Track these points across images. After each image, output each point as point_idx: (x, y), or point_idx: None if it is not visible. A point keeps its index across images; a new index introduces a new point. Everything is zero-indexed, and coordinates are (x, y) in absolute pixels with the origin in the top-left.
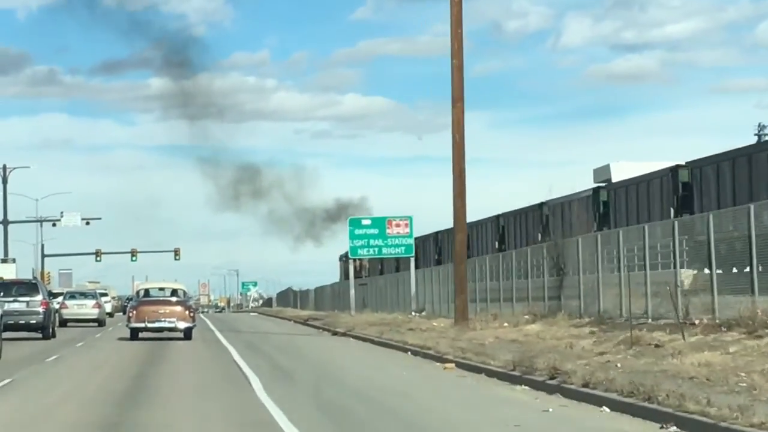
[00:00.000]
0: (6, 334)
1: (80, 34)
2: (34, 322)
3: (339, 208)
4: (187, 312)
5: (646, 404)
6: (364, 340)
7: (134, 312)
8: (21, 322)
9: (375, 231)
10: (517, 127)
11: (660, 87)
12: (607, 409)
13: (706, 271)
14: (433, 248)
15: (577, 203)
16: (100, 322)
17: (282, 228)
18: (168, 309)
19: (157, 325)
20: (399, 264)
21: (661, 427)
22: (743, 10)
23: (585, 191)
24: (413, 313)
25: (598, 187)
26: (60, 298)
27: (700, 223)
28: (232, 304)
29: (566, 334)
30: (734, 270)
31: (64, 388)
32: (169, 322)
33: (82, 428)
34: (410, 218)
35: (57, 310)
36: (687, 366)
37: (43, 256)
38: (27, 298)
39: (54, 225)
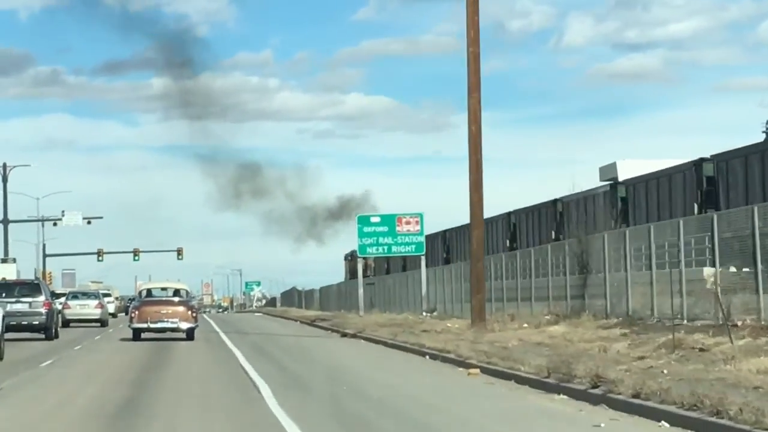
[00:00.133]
0: (9, 335)
1: (82, 34)
2: (37, 322)
3: (342, 206)
4: (189, 312)
5: (714, 419)
6: (376, 342)
7: (136, 312)
8: (24, 322)
9: (384, 228)
10: (519, 127)
11: (663, 86)
12: (666, 424)
13: (746, 269)
14: (441, 247)
15: (593, 199)
16: (102, 323)
17: (284, 227)
18: (170, 309)
19: (159, 325)
20: (406, 263)
21: None
22: (746, 9)
23: (602, 187)
24: (424, 314)
25: (616, 183)
26: (63, 299)
27: (745, 218)
28: (235, 304)
29: (595, 336)
30: None
31: (53, 399)
32: (172, 322)
33: None
34: (421, 215)
35: (60, 311)
36: (745, 373)
37: (45, 255)
38: (29, 299)
39: (55, 224)
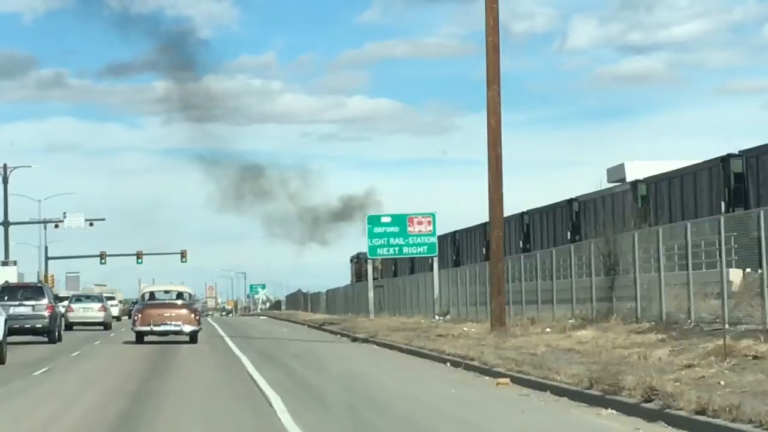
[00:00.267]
0: (12, 338)
1: (86, 37)
2: (40, 326)
3: (345, 207)
4: (192, 315)
5: None
6: (390, 347)
7: (139, 315)
8: (27, 326)
9: (395, 229)
10: (523, 129)
11: (666, 88)
12: None
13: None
14: (450, 249)
15: (612, 199)
16: (106, 326)
17: (288, 230)
18: (174, 312)
19: (162, 328)
20: (414, 264)
21: None
22: (749, 11)
23: (620, 185)
24: (437, 317)
25: (637, 181)
26: (66, 302)
27: None
28: (239, 307)
29: (629, 342)
30: None
31: (44, 413)
32: (175, 325)
33: None
34: (433, 215)
35: (63, 314)
36: None
37: (47, 258)
38: (33, 302)
39: (56, 226)
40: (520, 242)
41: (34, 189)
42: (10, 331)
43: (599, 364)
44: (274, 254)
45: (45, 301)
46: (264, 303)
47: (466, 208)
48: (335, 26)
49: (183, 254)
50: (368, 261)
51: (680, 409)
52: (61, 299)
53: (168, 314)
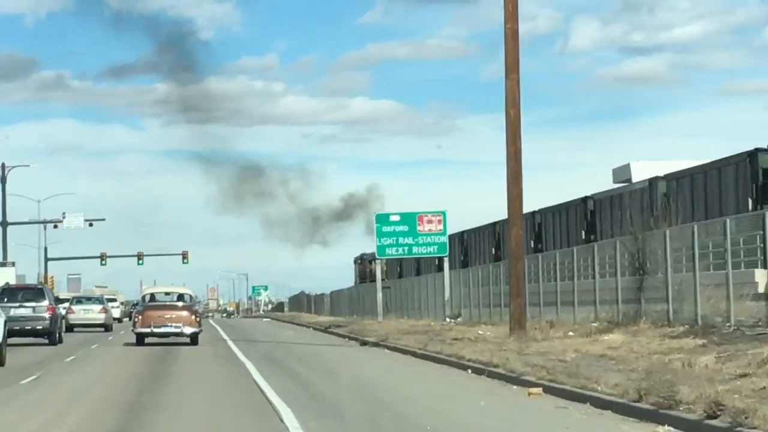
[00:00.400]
0: (12, 340)
1: (87, 39)
2: (41, 327)
3: (346, 206)
4: (193, 317)
5: None
6: (404, 352)
7: (140, 317)
8: (27, 327)
9: (404, 228)
10: (525, 130)
11: (668, 89)
12: None
13: None
14: (459, 249)
15: (630, 196)
16: (107, 328)
17: (289, 231)
18: (174, 314)
19: (163, 330)
20: (420, 265)
21: None
22: (752, 13)
23: (638, 183)
24: (447, 320)
25: (656, 178)
26: (67, 304)
27: None
28: (241, 309)
29: (666, 347)
30: None
31: (24, 430)
32: (176, 327)
33: None
34: (443, 213)
35: (64, 316)
36: None
37: (47, 259)
38: (33, 304)
39: (55, 227)
40: (532, 242)
41: (35, 191)
42: (10, 333)
43: (639, 372)
44: (276, 256)
45: (45, 302)
46: (266, 305)
47: (468, 210)
48: (337, 27)
49: (184, 255)
50: (377, 261)
51: (755, 428)
52: (62, 301)
53: (168, 316)
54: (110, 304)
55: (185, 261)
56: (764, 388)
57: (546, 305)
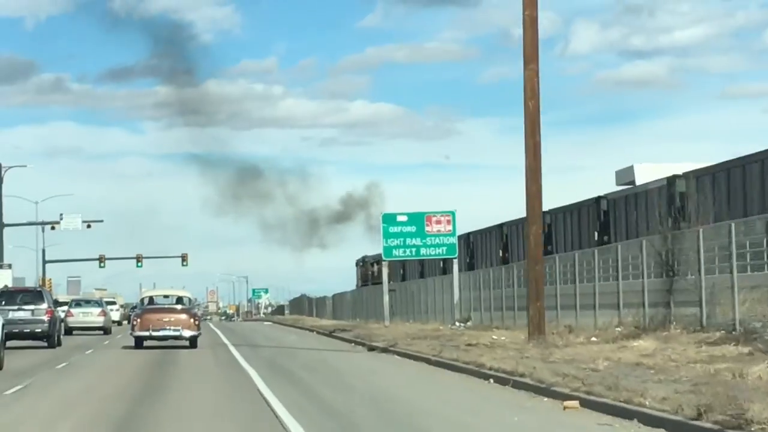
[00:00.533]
0: (11, 343)
1: (86, 42)
2: (39, 330)
3: (346, 207)
4: (192, 320)
5: None
6: (416, 358)
7: (138, 320)
8: (26, 330)
9: (412, 228)
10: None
11: (668, 93)
12: None
13: None
14: (464, 251)
15: (646, 196)
16: (106, 330)
17: (287, 234)
18: (173, 317)
19: (161, 333)
20: (424, 267)
21: None
22: (752, 16)
23: (656, 182)
24: (457, 324)
25: (675, 177)
26: (65, 307)
27: None
28: (240, 312)
29: (706, 355)
30: None
31: None
32: (174, 330)
33: None
34: (453, 213)
35: (62, 319)
36: None
37: (45, 261)
38: (32, 307)
39: (53, 228)
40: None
41: (35, 193)
42: (9, 336)
43: (683, 383)
44: (276, 258)
45: (44, 305)
46: (266, 308)
47: (468, 213)
48: (337, 31)
49: (184, 258)
50: (383, 263)
51: None
52: (61, 304)
53: (167, 319)
54: (110, 307)
55: (185, 263)
56: None
57: (563, 309)
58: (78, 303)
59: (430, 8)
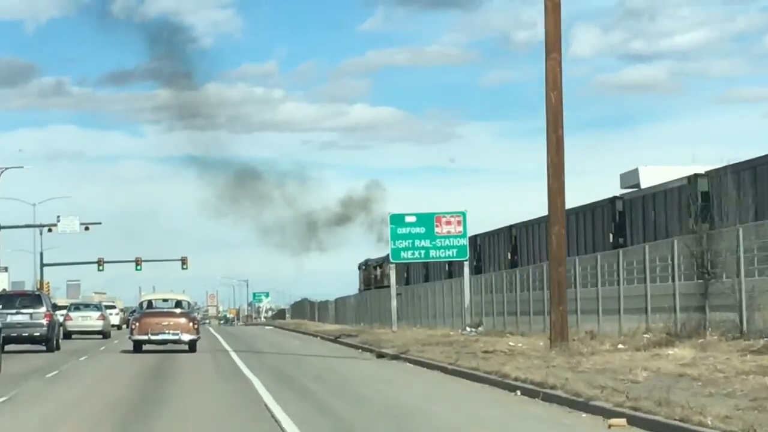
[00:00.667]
0: (9, 347)
1: (87, 45)
2: (38, 334)
3: (346, 209)
4: (191, 324)
5: None
6: (430, 366)
7: (137, 324)
8: (24, 334)
9: (421, 230)
10: (525, 138)
11: (668, 97)
12: None
13: None
14: (471, 254)
15: (665, 196)
16: (105, 334)
17: (287, 237)
18: (172, 321)
19: (160, 337)
20: (428, 270)
21: None
22: (752, 21)
23: (675, 181)
24: (468, 329)
25: (696, 175)
26: (65, 310)
27: None
28: (241, 316)
29: (755, 365)
30: None
31: None
32: (173, 334)
33: None
34: (463, 214)
35: (61, 323)
36: None
37: (42, 265)
38: (30, 310)
39: (50, 230)
40: None
41: (34, 197)
42: (7, 340)
43: (740, 398)
44: (276, 262)
45: (43, 309)
46: (267, 311)
47: (469, 216)
48: (337, 34)
49: (184, 261)
50: (391, 266)
51: None
52: (60, 307)
53: (166, 323)
54: (109, 311)
55: (184, 267)
56: None
57: (583, 313)
58: (77, 307)
59: (430, 12)
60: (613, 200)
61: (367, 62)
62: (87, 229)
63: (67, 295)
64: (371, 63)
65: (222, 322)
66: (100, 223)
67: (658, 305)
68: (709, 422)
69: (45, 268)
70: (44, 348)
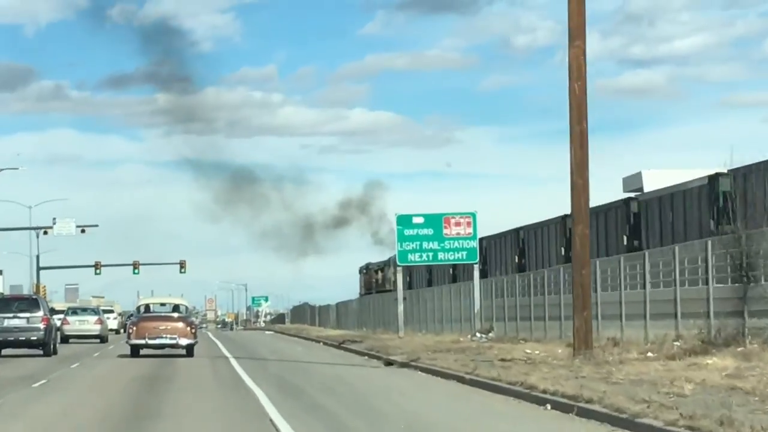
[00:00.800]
0: (6, 351)
1: (86, 49)
2: (35, 338)
3: (344, 212)
4: (188, 328)
5: None
6: (445, 376)
7: (134, 328)
8: (21, 338)
9: (429, 231)
10: (525, 143)
11: (667, 102)
12: None
13: None
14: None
15: (684, 196)
16: (102, 339)
17: (285, 241)
18: (169, 325)
19: (158, 341)
20: (432, 273)
21: None
22: (751, 26)
23: (695, 181)
24: (478, 335)
25: (718, 174)
26: (62, 315)
27: None
28: (239, 320)
29: None
30: None
31: None
32: (171, 338)
33: None
34: (473, 215)
35: (59, 327)
36: None
37: (39, 268)
38: (27, 314)
39: (45, 233)
40: (562, 249)
41: (33, 200)
42: (3, 344)
43: None
44: (274, 266)
45: (40, 313)
46: (265, 316)
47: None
48: (337, 39)
49: (182, 264)
50: (398, 269)
51: None
52: (57, 312)
53: (163, 327)
54: (107, 315)
55: (183, 270)
56: None
57: (604, 319)
58: (74, 311)
59: (430, 16)
60: (627, 201)
61: (366, 67)
62: (83, 231)
63: (66, 299)
64: (370, 67)
65: (219, 326)
66: (96, 226)
67: (688, 310)
68: None
69: (42, 272)
70: (41, 352)
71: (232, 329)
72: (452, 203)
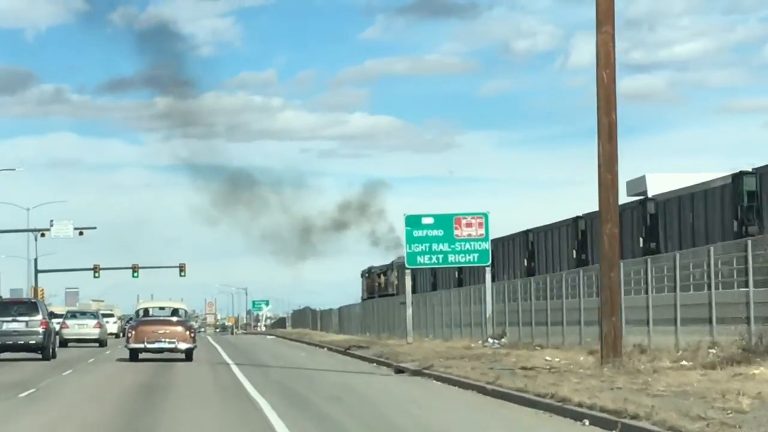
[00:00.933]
0: (4, 355)
1: (86, 53)
2: (34, 342)
3: (343, 214)
4: (188, 332)
5: None
6: (462, 385)
7: (133, 332)
8: (20, 342)
9: (439, 232)
10: (525, 147)
11: (668, 107)
12: None
13: None
14: None
15: (705, 196)
16: (101, 343)
17: (286, 244)
18: (168, 329)
19: (156, 345)
20: (436, 276)
21: None
22: (751, 31)
23: (717, 180)
24: (490, 341)
25: (742, 173)
26: (61, 318)
27: None
28: (239, 324)
29: None
30: None
31: None
32: (170, 342)
33: None
34: (485, 216)
35: (58, 331)
36: None
37: (37, 271)
38: (26, 318)
39: (42, 235)
40: (573, 251)
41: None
42: (2, 348)
43: None
44: (274, 270)
45: (39, 317)
46: (266, 320)
47: None
48: (337, 43)
49: (181, 268)
50: (407, 271)
51: None
52: (56, 315)
53: (162, 331)
54: (107, 319)
55: (182, 274)
56: None
57: (628, 324)
58: (73, 315)
59: (430, 21)
60: (643, 202)
61: (366, 71)
62: (81, 234)
63: (65, 302)
64: (370, 72)
65: (218, 330)
66: (94, 228)
67: (723, 315)
68: None
69: (40, 275)
70: (40, 356)
71: (232, 333)
72: (452, 207)
